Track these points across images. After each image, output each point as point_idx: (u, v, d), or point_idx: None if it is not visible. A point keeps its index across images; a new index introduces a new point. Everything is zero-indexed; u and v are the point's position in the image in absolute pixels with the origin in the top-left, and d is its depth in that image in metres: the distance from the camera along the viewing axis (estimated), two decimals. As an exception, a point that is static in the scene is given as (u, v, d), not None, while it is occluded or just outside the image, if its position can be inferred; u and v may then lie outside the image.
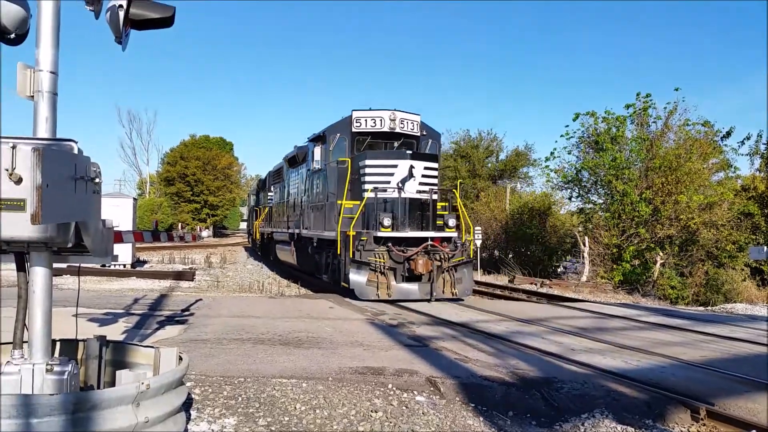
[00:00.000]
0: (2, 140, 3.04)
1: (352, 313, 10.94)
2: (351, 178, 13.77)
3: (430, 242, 13.05)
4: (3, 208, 2.99)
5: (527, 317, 10.90)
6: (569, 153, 26.91)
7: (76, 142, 3.39)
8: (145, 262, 23.96)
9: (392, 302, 12.62)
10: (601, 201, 26.07)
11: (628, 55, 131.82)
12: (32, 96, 3.50)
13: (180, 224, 58.83)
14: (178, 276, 17.53)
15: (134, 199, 23.38)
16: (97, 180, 3.48)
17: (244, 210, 71.66)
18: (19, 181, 2.98)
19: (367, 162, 13.68)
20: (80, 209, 3.31)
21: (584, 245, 24.00)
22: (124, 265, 19.07)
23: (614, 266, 23.46)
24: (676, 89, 27.67)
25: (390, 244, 12.91)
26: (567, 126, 27.34)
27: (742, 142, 24.81)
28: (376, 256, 12.83)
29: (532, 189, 37.67)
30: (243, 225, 79.25)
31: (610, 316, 11.62)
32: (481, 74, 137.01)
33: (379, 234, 12.88)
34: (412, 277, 12.90)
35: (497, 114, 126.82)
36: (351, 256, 12.86)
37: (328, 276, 14.98)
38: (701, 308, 17.33)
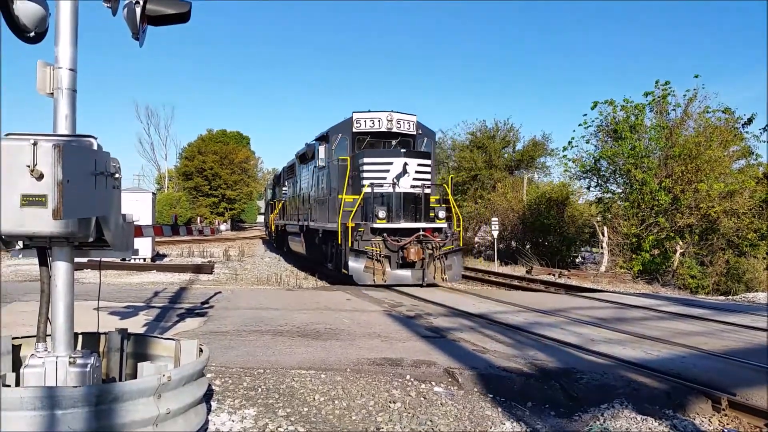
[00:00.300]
0: (24, 137, 3.09)
1: (370, 305, 10.97)
2: (351, 175, 14.97)
3: (421, 232, 14.16)
4: (25, 204, 3.04)
5: (545, 308, 10.85)
6: (587, 142, 26.72)
7: (95, 138, 3.43)
8: (164, 255, 24.21)
9: (407, 293, 12.76)
10: (620, 190, 25.84)
11: (627, 54, 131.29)
12: (52, 93, 3.55)
13: (199, 218, 59.27)
14: (198, 269, 17.69)
15: (153, 193, 23.60)
16: (116, 175, 3.53)
17: (261, 203, 72.05)
18: (40, 177, 3.02)
19: (365, 160, 14.87)
20: (101, 204, 3.36)
21: (603, 235, 23.80)
22: (144, 259, 19.30)
23: (633, 256, 23.25)
24: (696, 76, 27.26)
25: (385, 235, 14.03)
26: (585, 115, 27.02)
27: (765, 129, 24.39)
28: (373, 245, 13.94)
29: (550, 179, 37.37)
30: (260, 218, 79.69)
31: (629, 306, 11.53)
32: (486, 72, 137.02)
33: (375, 225, 14.03)
34: (406, 264, 14.03)
35: (503, 110, 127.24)
36: (350, 245, 13.94)
37: (332, 264, 15.84)
38: (722, 298, 17.14)
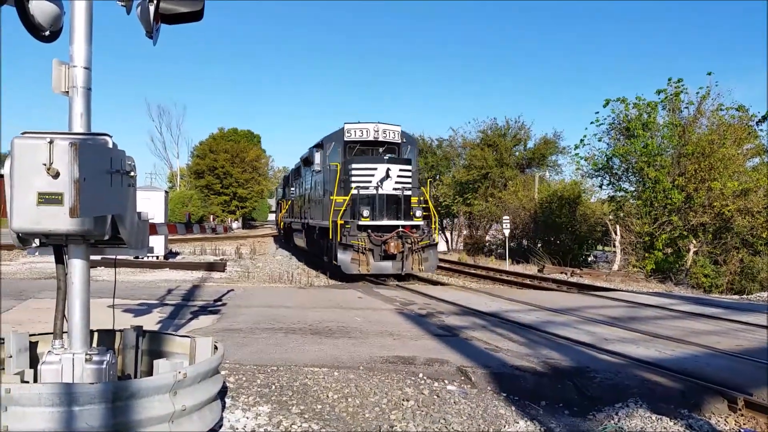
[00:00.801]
0: (40, 135, 3.11)
1: (381, 303, 10.97)
2: (342, 178, 16.85)
3: (401, 229, 15.98)
4: (42, 202, 3.06)
5: (558, 307, 10.80)
6: (600, 140, 26.48)
7: (110, 137, 3.44)
8: (177, 253, 24.31)
9: (418, 291, 12.80)
10: (632, 188, 25.60)
11: (638, 53, 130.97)
12: (67, 92, 3.56)
13: (212, 216, 59.46)
14: (210, 267, 17.76)
15: (166, 191, 23.70)
16: (132, 173, 3.53)
17: (272, 202, 72.13)
18: (56, 175, 3.03)
19: (353, 166, 16.76)
20: (116, 202, 3.37)
21: (615, 234, 23.64)
22: (157, 257, 19.39)
23: (646, 255, 23.07)
24: (709, 73, 26.87)
25: (369, 231, 15.81)
26: (597, 113, 26.78)
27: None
28: (359, 240, 15.75)
29: (562, 177, 37.07)
30: (271, 216, 79.86)
31: (642, 305, 11.45)
32: (497, 71, 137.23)
33: (361, 222, 15.91)
34: (387, 256, 15.83)
35: (514, 107, 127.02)
36: (339, 240, 15.75)
37: (327, 257, 17.51)
38: (736, 297, 16.97)
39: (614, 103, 25.25)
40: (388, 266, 15.93)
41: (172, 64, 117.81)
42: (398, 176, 16.54)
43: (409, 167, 17.07)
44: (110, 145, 3.38)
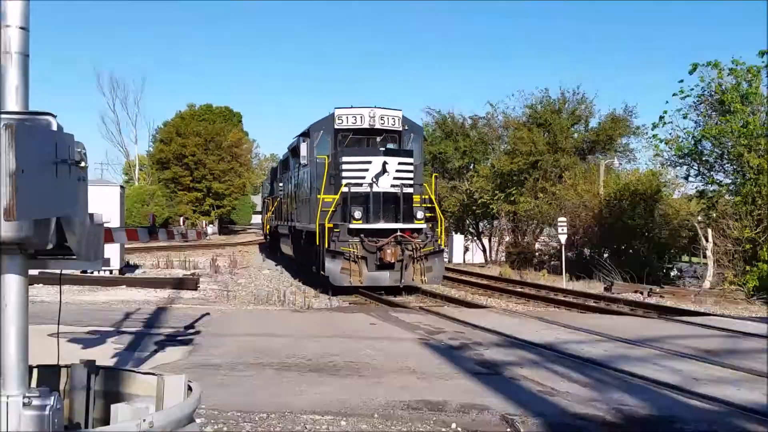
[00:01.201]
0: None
1: (401, 332, 10.99)
2: (332, 173, 18.09)
3: (399, 233, 17.07)
4: (-32, 201, 3.08)
5: (632, 337, 10.77)
6: (685, 117, 26.27)
7: (54, 117, 3.46)
8: (136, 266, 24.52)
9: (448, 316, 12.76)
10: (728, 181, 25.44)
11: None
12: (-2, 59, 3.58)
13: (182, 219, 59.80)
14: (179, 284, 17.93)
15: (121, 187, 23.92)
16: (82, 164, 3.55)
17: (258, 199, 72.33)
18: (-14, 166, 3.05)
19: (344, 159, 17.97)
20: (63, 201, 3.38)
21: (707, 240, 23.51)
22: (112, 271, 19.55)
23: (748, 268, 22.86)
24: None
25: (362, 236, 16.98)
26: (681, 81, 26.41)
27: None
28: (350, 246, 16.82)
29: (635, 166, 36.87)
30: (256, 218, 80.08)
31: (743, 335, 11.38)
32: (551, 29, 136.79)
33: (352, 226, 16.98)
34: (383, 265, 16.94)
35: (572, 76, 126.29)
36: (327, 246, 16.81)
37: (315, 266, 18.56)
38: None
39: (703, 68, 25.03)
40: (384, 277, 17.06)
41: (129, 25, 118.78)
42: (397, 170, 17.56)
43: (410, 160, 18.17)
44: (54, 128, 3.40)
